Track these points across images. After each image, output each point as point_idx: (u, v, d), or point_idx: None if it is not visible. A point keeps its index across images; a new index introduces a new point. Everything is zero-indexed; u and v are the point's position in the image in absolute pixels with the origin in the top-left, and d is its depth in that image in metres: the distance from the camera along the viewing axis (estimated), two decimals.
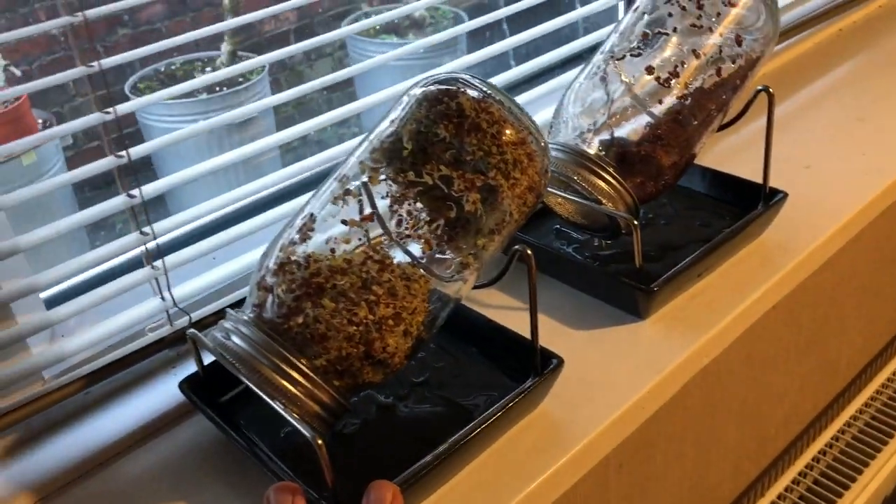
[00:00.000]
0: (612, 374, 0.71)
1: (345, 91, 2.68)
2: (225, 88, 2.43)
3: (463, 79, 0.63)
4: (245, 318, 0.58)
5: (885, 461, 1.20)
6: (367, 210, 0.62)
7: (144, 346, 0.71)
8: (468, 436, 0.62)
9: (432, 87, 0.63)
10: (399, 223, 0.61)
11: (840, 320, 1.20)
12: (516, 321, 0.71)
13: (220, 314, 0.75)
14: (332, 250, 0.60)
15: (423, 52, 2.62)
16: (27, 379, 0.68)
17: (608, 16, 1.13)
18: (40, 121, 2.19)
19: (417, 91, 0.64)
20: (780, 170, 0.84)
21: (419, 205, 0.62)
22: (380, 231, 0.61)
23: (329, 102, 2.67)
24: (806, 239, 0.85)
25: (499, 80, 0.97)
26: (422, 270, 0.62)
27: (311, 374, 0.57)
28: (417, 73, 0.86)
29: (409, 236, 0.62)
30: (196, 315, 0.74)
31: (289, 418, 0.55)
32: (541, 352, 0.67)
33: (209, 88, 2.39)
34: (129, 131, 2.41)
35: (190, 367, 0.75)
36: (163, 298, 0.72)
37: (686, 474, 0.96)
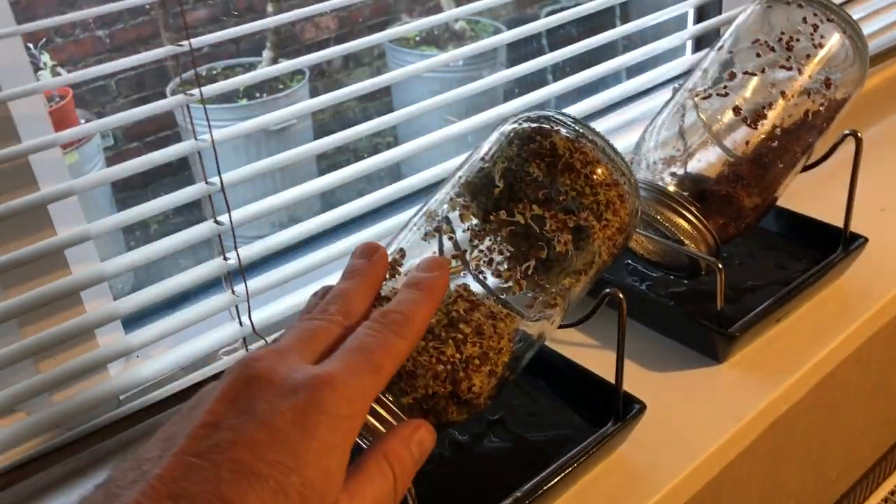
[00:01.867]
0: (690, 418, 0.70)
1: (381, 101, 2.69)
2: (265, 94, 2.45)
3: (555, 117, 0.62)
4: None
5: None
6: (456, 248, 0.61)
7: (220, 371, 0.71)
8: (549, 481, 0.61)
9: (524, 125, 0.62)
10: (489, 262, 0.61)
11: None
12: (589, 360, 0.70)
13: None
14: None
15: (463, 64, 2.62)
16: (105, 401, 0.68)
17: (652, 32, 1.11)
18: (83, 121, 2.21)
19: (508, 128, 0.63)
20: (854, 211, 0.82)
21: (508, 245, 0.61)
22: (469, 262, 0.61)
23: (365, 111, 2.68)
24: (885, 285, 0.83)
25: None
26: (507, 310, 0.61)
27: (399, 412, 0.56)
28: (455, 85, 0.85)
29: (499, 275, 0.61)
30: (271, 339, 0.74)
31: None
32: (623, 396, 0.66)
33: (249, 94, 2.41)
34: (165, 134, 2.44)
35: None
36: (241, 324, 0.71)
37: None
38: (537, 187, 0.60)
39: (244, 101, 2.37)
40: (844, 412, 1.03)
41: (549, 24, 0.97)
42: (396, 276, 0.60)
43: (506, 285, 0.62)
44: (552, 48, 0.95)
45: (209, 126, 0.64)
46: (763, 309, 0.76)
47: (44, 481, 0.67)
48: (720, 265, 0.71)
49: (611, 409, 0.66)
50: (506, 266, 0.61)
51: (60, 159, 0.65)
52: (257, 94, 2.44)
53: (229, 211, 0.66)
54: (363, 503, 0.39)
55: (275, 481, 0.35)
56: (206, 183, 0.65)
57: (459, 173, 0.64)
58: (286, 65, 0.77)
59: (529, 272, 0.61)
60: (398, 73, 0.83)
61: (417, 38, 2.78)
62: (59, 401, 0.67)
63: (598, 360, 0.71)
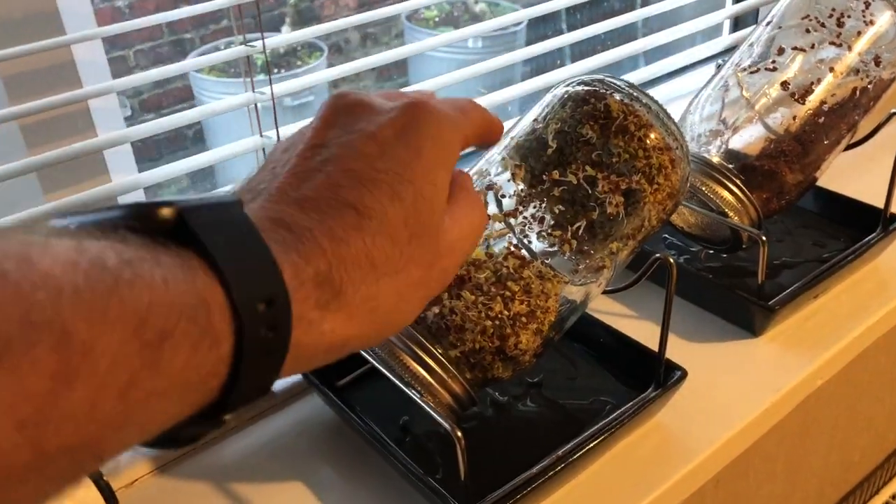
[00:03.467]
0: (727, 389, 0.70)
1: (397, 82, 2.69)
2: (283, 70, 2.45)
3: (609, 81, 0.62)
4: None
5: None
6: (506, 206, 0.62)
7: None
8: (589, 442, 0.61)
9: (578, 88, 0.62)
10: (539, 221, 0.61)
11: None
12: (628, 329, 0.70)
13: None
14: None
15: (482, 46, 2.62)
16: None
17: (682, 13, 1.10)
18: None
19: (561, 91, 0.63)
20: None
21: (559, 206, 0.62)
22: (514, 227, 0.61)
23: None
24: None
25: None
26: (556, 271, 0.61)
27: (447, 363, 0.57)
28: (471, 57, 0.84)
29: (549, 235, 0.62)
30: None
31: (426, 407, 0.55)
32: (665, 363, 0.66)
33: (266, 70, 2.41)
34: (181, 107, 2.44)
35: None
36: None
37: (774, 495, 0.94)
38: (590, 149, 0.60)
39: (261, 76, 2.37)
40: (871, 394, 1.03)
41: (569, 2, 0.97)
42: None
43: (553, 249, 0.63)
44: (571, 31, 0.95)
45: (270, 81, 0.64)
46: (802, 284, 0.76)
47: None
48: (763, 237, 0.71)
49: (651, 376, 0.67)
50: (554, 228, 0.61)
51: (116, 109, 0.65)
52: (275, 70, 2.44)
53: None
54: (461, 228, 0.39)
55: (389, 186, 0.35)
56: (262, 136, 0.66)
57: (511, 135, 0.64)
58: (307, 31, 0.75)
59: (580, 233, 0.62)
60: (416, 47, 0.82)
61: (437, 20, 2.78)
62: None
63: (637, 329, 0.71)
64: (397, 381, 0.56)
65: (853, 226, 0.84)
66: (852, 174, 0.89)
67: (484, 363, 0.59)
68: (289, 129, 0.69)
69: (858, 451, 1.12)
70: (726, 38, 1.11)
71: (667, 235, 0.85)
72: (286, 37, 0.66)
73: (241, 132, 0.71)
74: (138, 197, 0.69)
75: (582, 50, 1.03)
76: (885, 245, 0.82)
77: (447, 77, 0.82)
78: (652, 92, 1.06)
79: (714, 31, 1.15)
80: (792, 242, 0.84)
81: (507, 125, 0.67)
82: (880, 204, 0.82)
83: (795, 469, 0.97)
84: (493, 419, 0.66)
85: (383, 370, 0.56)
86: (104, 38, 0.60)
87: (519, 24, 2.65)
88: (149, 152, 2.33)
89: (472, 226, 0.41)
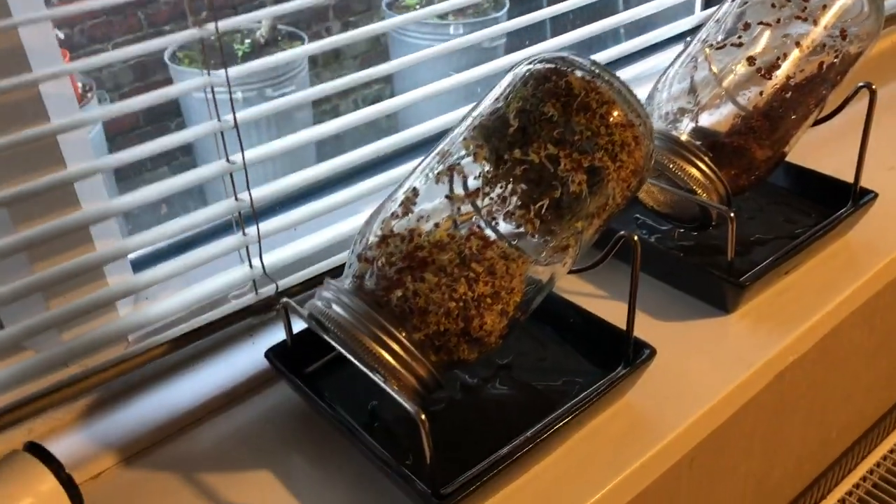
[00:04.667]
0: (699, 367, 0.70)
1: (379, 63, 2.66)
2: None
3: (570, 58, 0.62)
4: (346, 287, 0.57)
5: None
6: (471, 187, 0.61)
7: (230, 313, 0.71)
8: (559, 421, 0.61)
9: (539, 66, 0.62)
10: (503, 201, 0.61)
11: None
12: (597, 309, 0.70)
13: (306, 284, 0.74)
14: (436, 224, 0.59)
15: (464, 32, 2.61)
16: (113, 341, 0.68)
17: None
18: (80, 84, 2.19)
19: (523, 69, 0.63)
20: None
21: (521, 185, 0.61)
22: (481, 209, 0.61)
23: (363, 69, 2.67)
24: (893, 242, 0.83)
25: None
26: (521, 250, 0.61)
27: (411, 346, 0.56)
28: (456, 54, 0.84)
29: (511, 215, 0.61)
30: (282, 283, 0.73)
31: (389, 391, 0.54)
32: (633, 341, 0.66)
33: (246, 57, 2.40)
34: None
35: (269, 336, 0.75)
36: (251, 266, 0.71)
37: (751, 472, 0.94)
38: (552, 127, 0.60)
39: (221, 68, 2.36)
40: (847, 370, 1.03)
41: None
42: (409, 213, 0.60)
43: (518, 230, 0.62)
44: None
45: (224, 65, 0.63)
46: (773, 260, 0.76)
47: (50, 421, 0.67)
48: (731, 214, 0.71)
49: (620, 355, 0.66)
50: (518, 208, 0.61)
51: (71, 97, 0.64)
52: (255, 57, 2.42)
53: (242, 152, 0.66)
54: None
55: None
56: (219, 120, 0.65)
57: (473, 115, 0.64)
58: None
59: (543, 212, 0.61)
60: (397, 21, 0.82)
61: (417, 6, 2.76)
62: (68, 339, 0.67)
63: (605, 308, 0.71)
64: (361, 366, 0.55)
65: (824, 201, 0.84)
66: (822, 150, 0.89)
67: (449, 345, 0.58)
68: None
69: (836, 428, 1.12)
70: (698, 15, 1.10)
71: (638, 215, 0.84)
72: (239, 19, 0.65)
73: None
74: (112, 223, 0.69)
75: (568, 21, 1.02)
76: (856, 220, 0.82)
77: (424, 53, 0.81)
78: (625, 70, 1.06)
79: (686, 9, 1.14)
80: (763, 219, 0.84)
81: (470, 106, 0.67)
82: (850, 178, 0.82)
83: (773, 446, 0.97)
84: (462, 402, 0.66)
85: (347, 355, 0.56)
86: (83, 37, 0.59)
87: (501, 8, 2.65)
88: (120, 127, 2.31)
89: None
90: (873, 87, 0.76)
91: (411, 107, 0.80)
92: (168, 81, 2.37)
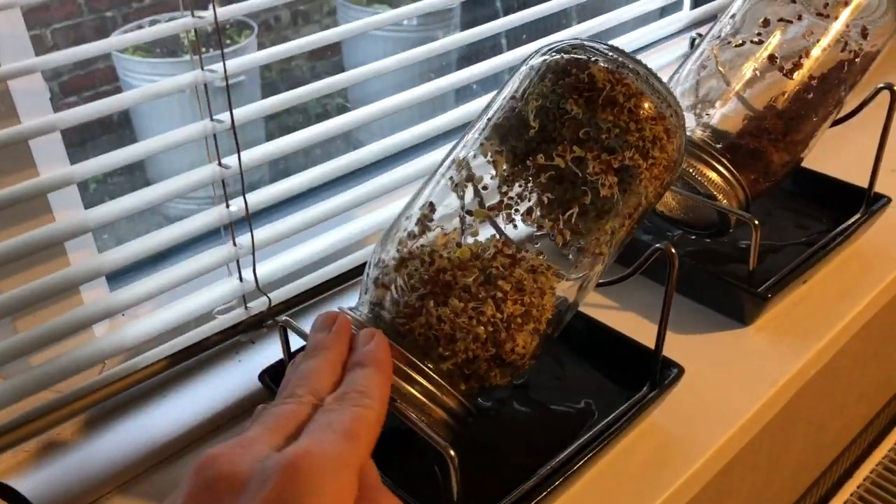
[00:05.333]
0: (723, 384, 0.66)
1: (331, 60, 2.59)
2: (212, 50, 2.34)
3: (590, 45, 0.56)
4: (363, 318, 0.52)
5: None
6: (492, 199, 0.56)
7: (218, 332, 0.64)
8: (588, 449, 0.56)
9: (557, 56, 0.56)
10: (529, 212, 0.56)
11: None
12: (611, 321, 0.66)
13: (301, 297, 0.68)
14: (458, 244, 0.54)
15: (417, 24, 2.55)
16: (88, 365, 0.61)
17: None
18: None
19: (538, 61, 0.57)
20: (867, 168, 0.79)
21: (547, 192, 0.56)
22: (504, 220, 0.56)
23: (313, 70, 2.59)
24: None
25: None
26: (549, 262, 0.56)
27: (439, 378, 0.51)
28: (409, 46, 0.78)
29: (539, 226, 0.56)
30: (275, 297, 0.67)
31: (417, 429, 0.49)
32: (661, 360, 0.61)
33: (195, 50, 2.30)
34: (106, 89, 2.31)
35: (257, 355, 0.68)
36: (241, 279, 0.65)
37: (755, 486, 0.92)
38: (576, 126, 0.54)
39: (188, 57, 2.26)
40: (846, 379, 1.01)
41: None
42: (427, 231, 0.55)
43: (543, 233, 0.57)
44: (507, 13, 0.89)
45: (223, 57, 0.56)
46: (791, 269, 0.72)
47: (19, 454, 0.60)
48: (755, 221, 0.67)
49: (644, 374, 0.62)
50: (544, 214, 0.56)
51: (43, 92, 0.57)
52: (204, 50, 2.32)
53: (239, 153, 0.59)
54: None
55: None
56: (212, 119, 0.58)
57: (488, 115, 0.58)
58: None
59: (572, 220, 0.56)
60: (351, 27, 0.74)
61: None
62: (39, 364, 0.60)
63: (620, 321, 0.67)
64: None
65: (835, 206, 0.81)
66: (831, 152, 0.86)
67: (479, 372, 0.53)
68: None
69: (832, 434, 1.10)
70: (688, 13, 1.07)
71: (646, 221, 0.80)
72: (239, 6, 0.59)
73: (176, 117, 0.63)
74: (71, 191, 0.61)
75: (524, 32, 0.97)
76: (869, 226, 0.79)
77: (381, 64, 0.74)
78: None
79: (675, 8, 1.10)
80: (773, 225, 0.80)
81: (483, 102, 0.62)
82: (861, 183, 0.79)
83: (777, 458, 0.94)
84: (478, 427, 0.61)
85: None
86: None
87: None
88: (73, 137, 2.20)
89: None
90: (895, 88, 0.73)
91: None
92: (110, 69, 2.26)
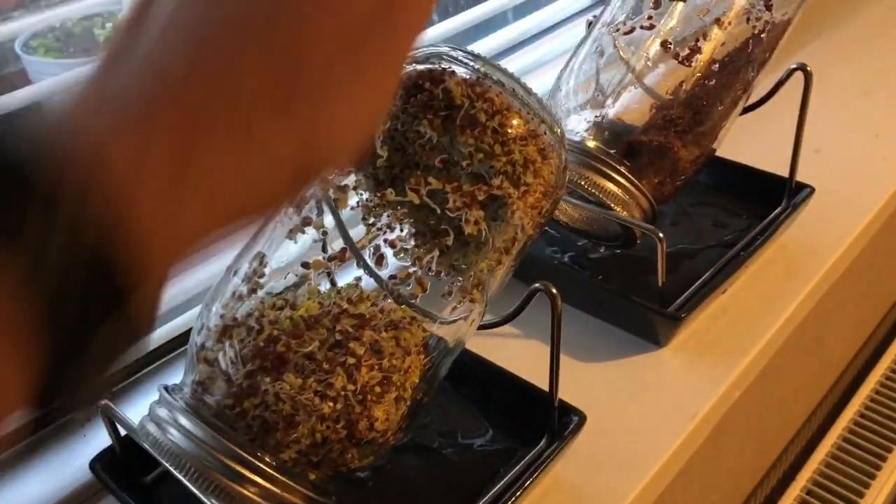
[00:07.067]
0: (634, 421, 0.58)
1: None
2: None
3: (447, 54, 0.47)
4: (182, 403, 0.43)
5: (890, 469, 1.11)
6: (337, 244, 0.47)
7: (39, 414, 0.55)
8: None
9: (408, 69, 0.47)
10: (381, 259, 0.47)
11: (838, 316, 1.10)
12: (507, 355, 0.58)
13: (133, 366, 0.59)
14: (292, 305, 0.45)
15: None
16: None
17: None
18: None
19: None
20: (787, 155, 0.72)
21: (409, 228, 0.48)
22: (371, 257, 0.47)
23: None
24: (831, 240, 0.73)
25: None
26: (414, 312, 0.47)
27: (277, 474, 0.42)
28: None
29: (393, 277, 0.48)
30: None
31: None
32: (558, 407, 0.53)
33: None
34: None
35: (104, 431, 0.59)
36: None
37: None
38: (433, 152, 0.45)
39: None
40: (781, 377, 0.94)
41: None
42: (257, 290, 0.46)
43: (408, 286, 0.49)
44: None
45: None
46: (707, 280, 0.64)
47: None
48: (660, 234, 0.59)
49: (543, 422, 0.54)
50: (419, 244, 0.47)
51: None
52: None
53: None
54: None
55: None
56: None
57: None
58: None
59: (433, 266, 0.48)
60: None
61: None
62: None
63: (517, 354, 0.59)
64: None
65: (755, 199, 0.73)
66: (747, 140, 0.78)
67: (332, 456, 0.44)
68: None
69: (770, 435, 1.04)
70: None
71: (548, 228, 0.72)
72: None
73: None
74: None
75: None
76: (793, 219, 0.71)
77: None
78: (517, 57, 0.93)
79: None
80: (688, 225, 0.72)
81: None
82: (782, 172, 0.71)
83: (710, 474, 0.87)
84: (350, 499, 0.52)
85: (199, 494, 0.41)
86: None
87: None
88: None
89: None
90: (808, 68, 0.65)
91: None
92: (22, 74, 2.12)
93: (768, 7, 0.65)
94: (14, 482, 0.56)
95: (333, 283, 0.48)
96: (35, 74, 2.22)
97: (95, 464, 0.52)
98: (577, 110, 0.65)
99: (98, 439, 0.57)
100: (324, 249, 0.47)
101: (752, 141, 0.78)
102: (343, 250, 0.46)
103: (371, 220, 0.48)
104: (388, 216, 0.48)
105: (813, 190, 0.71)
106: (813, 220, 0.74)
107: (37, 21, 0.50)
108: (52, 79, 0.49)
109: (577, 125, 0.64)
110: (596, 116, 0.65)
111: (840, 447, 1.12)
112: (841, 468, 1.10)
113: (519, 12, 0.96)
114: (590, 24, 0.70)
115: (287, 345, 0.43)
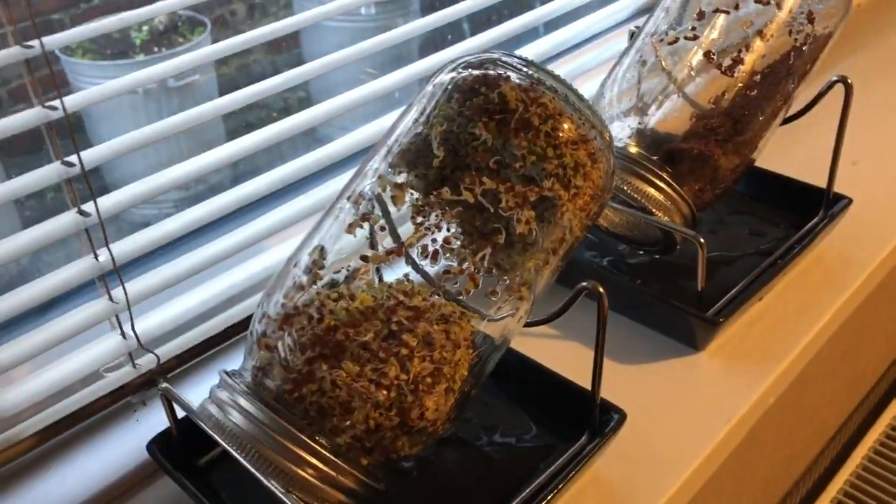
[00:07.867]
0: (671, 422, 0.60)
1: (291, 53, 2.51)
2: (164, 49, 2.25)
3: (502, 60, 0.49)
4: (243, 387, 0.45)
5: None
6: (390, 242, 0.49)
7: (104, 394, 0.57)
8: None
9: (464, 73, 0.49)
10: (434, 255, 0.49)
11: (872, 328, 1.10)
12: (549, 356, 0.59)
13: (192, 351, 0.61)
14: (352, 296, 0.47)
15: (375, 12, 2.46)
16: None
17: None
18: None
19: (445, 78, 0.50)
20: (824, 166, 0.73)
21: (456, 228, 0.49)
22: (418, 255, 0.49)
23: (273, 65, 2.51)
24: (867, 252, 0.74)
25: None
26: (462, 308, 0.49)
27: (332, 456, 0.44)
28: (369, 35, 0.72)
29: (459, 259, 0.49)
30: (163, 352, 0.60)
31: None
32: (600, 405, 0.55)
33: (146, 50, 2.21)
34: (52, 96, 2.22)
35: (156, 416, 0.61)
36: (123, 335, 0.57)
37: None
38: (487, 153, 0.47)
39: (142, 57, 2.17)
40: (815, 386, 0.95)
41: None
42: (318, 281, 0.48)
43: (456, 282, 0.50)
44: None
45: (57, 90, 0.49)
46: (745, 286, 0.66)
47: None
48: (701, 239, 0.60)
49: (584, 420, 0.55)
50: (465, 245, 0.49)
51: None
52: (155, 49, 2.24)
53: (94, 197, 0.52)
54: None
55: None
56: (63, 163, 0.51)
57: (390, 140, 0.51)
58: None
59: (485, 261, 0.49)
60: (302, 18, 0.68)
61: None
62: None
63: (560, 355, 0.60)
64: (274, 489, 0.43)
65: (792, 209, 0.74)
66: (786, 151, 0.79)
67: (384, 443, 0.46)
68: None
69: (801, 443, 1.04)
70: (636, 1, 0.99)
71: (588, 234, 0.73)
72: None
73: (136, 126, 0.56)
74: None
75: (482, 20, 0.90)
76: (829, 230, 0.72)
77: (338, 56, 0.68)
78: (554, 68, 0.94)
79: None
80: (726, 233, 0.74)
81: (388, 121, 0.55)
82: (820, 182, 0.72)
83: (742, 479, 0.88)
84: (396, 489, 0.54)
85: (256, 474, 0.43)
86: None
87: None
88: None
89: None
90: (849, 81, 0.66)
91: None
92: (61, 75, 2.16)
93: (810, 20, 0.66)
94: (69, 464, 0.58)
95: (381, 279, 0.50)
96: (72, 76, 2.26)
97: (152, 445, 0.54)
98: (620, 117, 0.66)
99: (151, 423, 0.59)
100: (372, 245, 0.49)
101: (790, 151, 0.79)
102: (400, 245, 0.48)
103: (419, 220, 0.49)
104: (437, 216, 0.49)
105: (850, 201, 0.72)
106: (849, 231, 0.75)
107: (92, 29, 0.52)
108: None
109: (620, 132, 0.66)
110: (639, 124, 0.66)
111: (871, 459, 1.12)
112: (872, 480, 1.10)
113: (551, 26, 0.97)
114: (632, 35, 0.72)
115: (346, 334, 0.44)
